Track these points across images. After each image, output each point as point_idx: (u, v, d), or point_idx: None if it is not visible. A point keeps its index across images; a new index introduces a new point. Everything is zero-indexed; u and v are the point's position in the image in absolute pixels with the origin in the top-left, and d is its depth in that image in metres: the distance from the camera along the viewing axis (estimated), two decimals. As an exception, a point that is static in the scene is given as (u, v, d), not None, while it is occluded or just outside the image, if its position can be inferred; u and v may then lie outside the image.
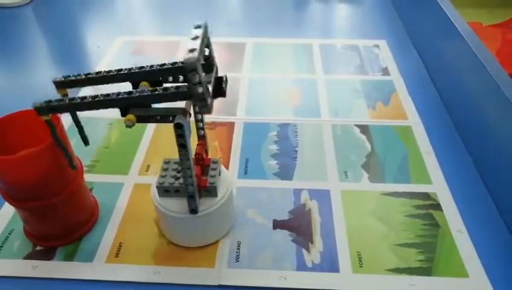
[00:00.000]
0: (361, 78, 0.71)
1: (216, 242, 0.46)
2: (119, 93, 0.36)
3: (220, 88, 0.38)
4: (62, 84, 0.39)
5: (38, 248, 0.45)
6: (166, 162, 0.45)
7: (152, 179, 0.52)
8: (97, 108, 0.37)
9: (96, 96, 0.36)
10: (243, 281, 0.42)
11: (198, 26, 0.36)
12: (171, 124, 0.36)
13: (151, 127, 0.61)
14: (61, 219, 0.44)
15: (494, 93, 0.52)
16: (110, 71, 0.38)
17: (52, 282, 0.42)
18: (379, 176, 0.53)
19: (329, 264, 0.44)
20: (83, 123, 0.42)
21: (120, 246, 0.45)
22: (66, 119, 0.61)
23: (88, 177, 0.52)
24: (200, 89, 0.34)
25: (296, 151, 0.57)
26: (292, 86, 0.70)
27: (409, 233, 0.46)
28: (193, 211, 0.41)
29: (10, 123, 0.42)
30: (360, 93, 0.68)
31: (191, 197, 0.40)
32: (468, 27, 0.63)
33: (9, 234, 0.47)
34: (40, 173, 0.40)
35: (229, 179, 0.45)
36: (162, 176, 0.43)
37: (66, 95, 0.39)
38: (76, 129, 0.42)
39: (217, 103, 0.66)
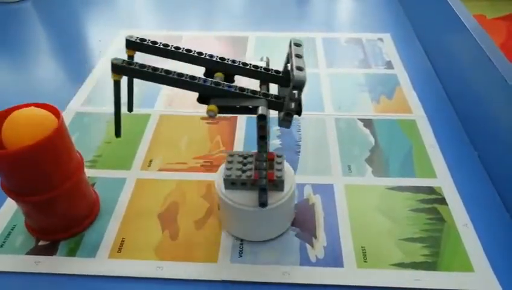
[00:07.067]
0: (365, 71, 0.71)
1: (219, 237, 0.45)
2: (206, 80, 0.36)
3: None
4: (133, 45, 0.38)
5: (40, 243, 0.45)
6: (231, 155, 0.44)
7: (153, 174, 0.53)
8: (176, 86, 0.36)
9: (182, 74, 0.36)
10: (246, 276, 0.42)
11: (299, 44, 0.37)
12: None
13: (153, 121, 0.61)
14: (61, 212, 0.44)
15: (499, 86, 0.51)
16: (190, 50, 0.38)
17: (54, 277, 0.42)
18: (383, 170, 0.53)
19: (333, 259, 0.43)
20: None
21: (123, 241, 0.45)
22: (66, 116, 0.61)
23: (90, 173, 0.52)
24: (293, 106, 0.35)
25: (299, 145, 0.57)
26: (295, 80, 0.69)
27: (414, 227, 0.46)
28: (263, 204, 0.41)
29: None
30: (363, 87, 0.67)
31: (263, 190, 0.40)
32: (474, 20, 0.62)
33: (12, 229, 0.47)
34: (41, 166, 0.39)
35: (292, 173, 0.45)
36: (228, 169, 0.43)
37: (133, 57, 0.38)
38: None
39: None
